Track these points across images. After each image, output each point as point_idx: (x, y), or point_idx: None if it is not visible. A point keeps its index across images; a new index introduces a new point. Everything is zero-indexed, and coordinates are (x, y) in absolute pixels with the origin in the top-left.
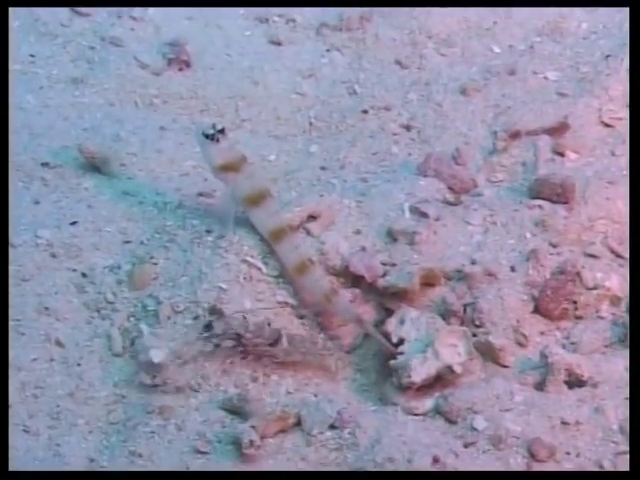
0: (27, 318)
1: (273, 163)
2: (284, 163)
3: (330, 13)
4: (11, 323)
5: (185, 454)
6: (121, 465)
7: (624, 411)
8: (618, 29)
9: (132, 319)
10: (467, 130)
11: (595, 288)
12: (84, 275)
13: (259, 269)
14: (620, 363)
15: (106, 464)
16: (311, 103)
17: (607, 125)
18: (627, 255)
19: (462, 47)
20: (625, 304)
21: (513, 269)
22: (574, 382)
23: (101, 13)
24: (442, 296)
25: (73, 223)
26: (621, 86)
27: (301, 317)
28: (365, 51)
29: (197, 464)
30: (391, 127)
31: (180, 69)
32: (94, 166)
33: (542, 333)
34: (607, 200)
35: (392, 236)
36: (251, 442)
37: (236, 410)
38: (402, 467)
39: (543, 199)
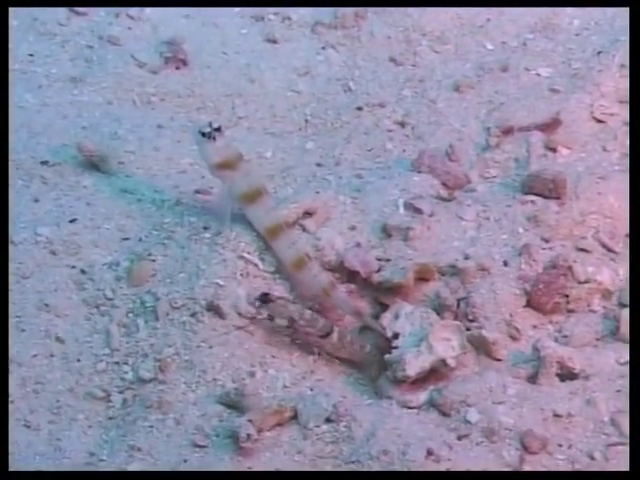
0: (27, 315)
1: (269, 160)
2: (280, 160)
3: (325, 11)
4: (12, 320)
5: (183, 448)
6: (121, 459)
7: (615, 403)
8: (609, 25)
9: (131, 315)
10: (460, 126)
11: (587, 282)
12: (83, 272)
13: (256, 265)
14: (611, 356)
15: (106, 458)
16: (307, 100)
17: (599, 121)
18: (618, 249)
19: (455, 44)
20: (616, 297)
21: (506, 264)
22: (566, 375)
23: (99, 12)
24: (436, 291)
25: (72, 220)
26: (612, 82)
27: None
28: (360, 48)
29: (195, 458)
30: (385, 124)
31: (177, 67)
32: (93, 164)
33: (534, 327)
34: (598, 195)
35: (387, 232)
36: (248, 436)
37: (233, 404)
38: (396, 459)
39: (535, 194)
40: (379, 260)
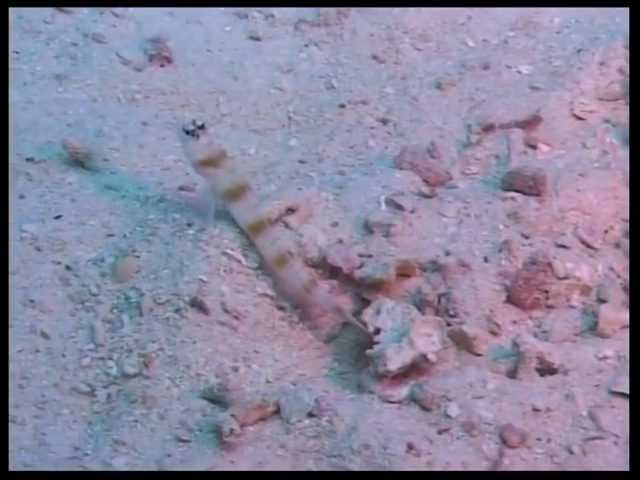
0: (13, 310)
1: (253, 157)
2: (264, 157)
3: (308, 9)
4: None
5: (167, 442)
6: (105, 453)
7: (593, 398)
8: (590, 23)
9: (115, 311)
10: (442, 124)
11: (566, 278)
12: (68, 268)
13: (239, 261)
14: (590, 351)
15: (90, 452)
16: (290, 98)
17: (579, 118)
18: (597, 245)
19: (437, 42)
20: (595, 293)
21: (486, 260)
22: (545, 370)
23: (83, 10)
24: (417, 287)
25: (57, 217)
26: (592, 79)
27: (280, 308)
28: (343, 46)
29: (179, 452)
30: (368, 121)
31: (162, 65)
32: (78, 161)
33: (514, 322)
34: (578, 192)
35: (369, 228)
36: (231, 430)
37: (217, 399)
38: (378, 454)
39: (516, 191)
40: (361, 256)
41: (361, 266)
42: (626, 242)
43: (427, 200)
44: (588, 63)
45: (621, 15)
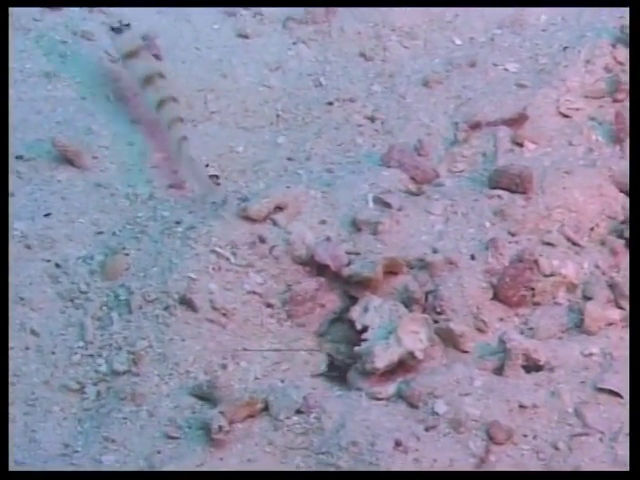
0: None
1: (241, 154)
2: (252, 154)
3: (296, 6)
4: None
5: (157, 439)
6: (95, 450)
7: (579, 395)
8: (576, 21)
9: (105, 308)
10: (429, 121)
11: (552, 275)
12: (58, 266)
13: (227, 259)
14: (576, 348)
15: (80, 449)
16: (278, 95)
17: (565, 116)
18: (583, 243)
19: (424, 39)
20: (580, 290)
21: (473, 257)
22: (531, 367)
23: (72, 7)
24: (404, 284)
25: (47, 215)
26: (578, 77)
27: (269, 305)
28: (330, 44)
29: (168, 449)
30: (356, 118)
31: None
32: (67, 159)
33: (501, 319)
34: (564, 189)
35: (356, 226)
36: (220, 427)
37: (206, 396)
38: (365, 450)
39: (502, 189)
40: (349, 254)
41: (349, 264)
42: (612, 239)
43: (414, 198)
44: (574, 61)
45: (607, 13)
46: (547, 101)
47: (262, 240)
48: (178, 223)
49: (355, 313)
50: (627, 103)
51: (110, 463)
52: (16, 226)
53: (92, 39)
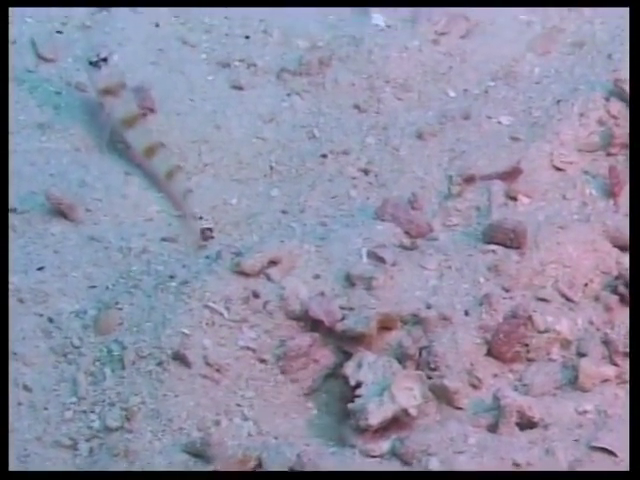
0: None
1: (235, 207)
2: (246, 207)
3: (290, 58)
4: None
5: None
6: None
7: (573, 452)
8: (569, 74)
9: (98, 364)
10: (423, 174)
11: (546, 331)
12: (51, 320)
13: (221, 314)
14: (570, 405)
15: None
16: (272, 147)
17: (558, 169)
18: (577, 299)
19: (418, 91)
20: (575, 347)
21: (467, 313)
22: (525, 424)
23: (67, 58)
24: (398, 340)
25: (40, 268)
26: (572, 130)
27: (262, 361)
28: (324, 95)
29: None
30: (349, 171)
31: (144, 114)
32: (60, 212)
33: (495, 375)
34: (558, 245)
35: (350, 281)
36: None
37: (199, 453)
38: None
39: (496, 244)
40: (343, 309)
41: (343, 319)
42: (606, 295)
43: (408, 252)
44: (568, 114)
45: (600, 65)
46: (541, 154)
47: (256, 295)
48: (172, 277)
49: (349, 369)
50: (620, 157)
51: None
52: (9, 280)
53: (86, 90)
